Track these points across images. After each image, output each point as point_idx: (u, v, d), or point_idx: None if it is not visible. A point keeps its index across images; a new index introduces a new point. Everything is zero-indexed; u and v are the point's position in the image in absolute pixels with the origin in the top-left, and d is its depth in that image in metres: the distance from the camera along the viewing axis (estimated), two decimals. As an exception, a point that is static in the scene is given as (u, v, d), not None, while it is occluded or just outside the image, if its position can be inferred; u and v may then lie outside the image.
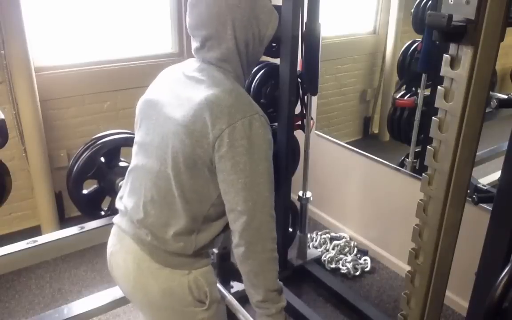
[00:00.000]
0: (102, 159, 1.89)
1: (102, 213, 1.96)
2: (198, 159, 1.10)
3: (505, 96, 1.13)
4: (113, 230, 1.33)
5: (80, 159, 1.86)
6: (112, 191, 1.88)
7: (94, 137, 1.91)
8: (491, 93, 1.06)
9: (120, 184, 1.78)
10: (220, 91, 1.10)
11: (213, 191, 1.14)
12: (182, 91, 1.16)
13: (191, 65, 1.22)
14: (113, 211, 1.38)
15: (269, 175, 1.11)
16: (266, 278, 1.14)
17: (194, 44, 1.19)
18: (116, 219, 1.32)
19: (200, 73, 1.17)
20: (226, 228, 1.23)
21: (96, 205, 1.96)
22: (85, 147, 1.88)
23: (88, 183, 1.92)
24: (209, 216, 1.17)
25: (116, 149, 1.92)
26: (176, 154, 1.11)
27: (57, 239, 1.83)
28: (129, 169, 1.30)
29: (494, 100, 1.09)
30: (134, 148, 1.30)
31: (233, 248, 1.15)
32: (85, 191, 1.92)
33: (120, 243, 1.27)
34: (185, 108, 1.11)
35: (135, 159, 1.28)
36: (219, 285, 1.38)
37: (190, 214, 1.15)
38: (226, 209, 1.13)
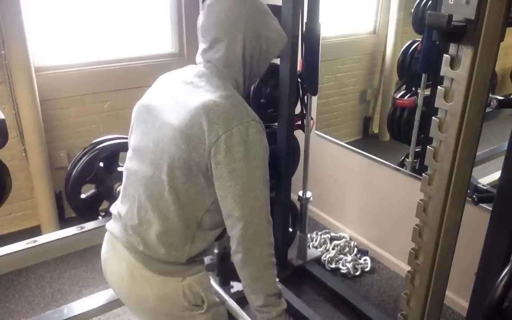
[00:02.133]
0: (101, 164, 1.90)
1: (100, 217, 1.97)
2: (194, 165, 1.10)
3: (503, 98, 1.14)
4: (106, 236, 1.32)
5: (79, 164, 1.87)
6: (110, 195, 1.89)
7: (93, 142, 1.92)
8: (490, 95, 1.06)
9: (118, 189, 1.79)
10: (217, 97, 1.11)
11: (207, 197, 1.14)
12: (179, 97, 1.17)
13: (190, 71, 1.22)
14: (110, 215, 1.39)
15: (266, 181, 1.13)
16: (266, 283, 1.15)
17: (202, 45, 1.20)
18: (109, 225, 1.31)
19: (198, 78, 1.17)
20: (220, 237, 1.24)
21: (93, 209, 1.98)
22: (84, 152, 1.89)
23: (86, 187, 1.93)
24: (203, 224, 1.17)
25: (114, 154, 1.93)
26: (172, 159, 1.11)
27: (57, 239, 1.83)
28: (123, 173, 1.30)
29: (494, 100, 1.09)
30: (129, 153, 1.29)
31: (231, 255, 1.16)
32: (83, 196, 1.93)
33: (113, 251, 1.27)
34: (182, 113, 1.12)
35: (129, 163, 1.27)
36: (219, 289, 1.38)
37: (184, 219, 1.15)
38: (223, 215, 1.13)
